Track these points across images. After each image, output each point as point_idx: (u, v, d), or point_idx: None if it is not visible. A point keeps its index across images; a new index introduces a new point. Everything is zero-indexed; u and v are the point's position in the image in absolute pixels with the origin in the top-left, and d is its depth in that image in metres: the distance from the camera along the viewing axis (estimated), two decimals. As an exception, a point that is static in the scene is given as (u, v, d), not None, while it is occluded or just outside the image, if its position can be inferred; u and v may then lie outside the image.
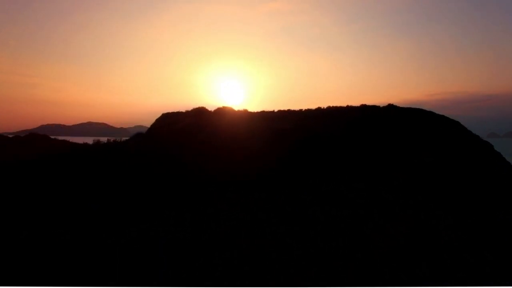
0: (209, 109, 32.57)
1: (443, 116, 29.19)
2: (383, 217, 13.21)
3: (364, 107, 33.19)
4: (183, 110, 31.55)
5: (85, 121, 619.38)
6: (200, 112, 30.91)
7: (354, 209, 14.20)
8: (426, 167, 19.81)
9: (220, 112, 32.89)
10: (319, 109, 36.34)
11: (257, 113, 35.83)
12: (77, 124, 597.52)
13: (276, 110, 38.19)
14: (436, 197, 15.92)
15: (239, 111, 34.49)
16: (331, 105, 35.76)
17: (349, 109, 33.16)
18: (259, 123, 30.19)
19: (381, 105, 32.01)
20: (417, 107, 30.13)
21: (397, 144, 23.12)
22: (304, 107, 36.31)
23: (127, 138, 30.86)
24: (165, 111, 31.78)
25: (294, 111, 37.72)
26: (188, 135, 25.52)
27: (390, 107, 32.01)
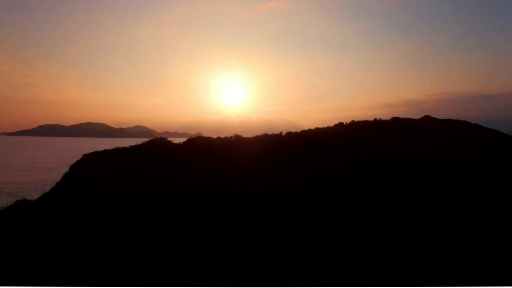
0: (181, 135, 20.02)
1: (494, 130, 26.70)
2: (384, 218, 12.65)
3: (396, 120, 27.17)
4: (127, 145, 18.31)
5: (84, 121, 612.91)
6: (153, 149, 17.57)
7: (355, 210, 13.52)
8: (436, 173, 17.90)
9: (193, 144, 19.66)
10: (340, 125, 27.83)
11: (255, 139, 22.83)
12: (76, 124, 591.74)
13: (284, 133, 25.71)
14: (445, 201, 14.29)
15: (226, 140, 21.22)
16: (355, 119, 28.86)
17: (378, 124, 26.69)
18: (253, 171, 17.10)
19: (415, 117, 27.98)
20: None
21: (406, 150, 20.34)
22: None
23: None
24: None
25: (308, 132, 25.83)
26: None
27: (427, 119, 27.56)
